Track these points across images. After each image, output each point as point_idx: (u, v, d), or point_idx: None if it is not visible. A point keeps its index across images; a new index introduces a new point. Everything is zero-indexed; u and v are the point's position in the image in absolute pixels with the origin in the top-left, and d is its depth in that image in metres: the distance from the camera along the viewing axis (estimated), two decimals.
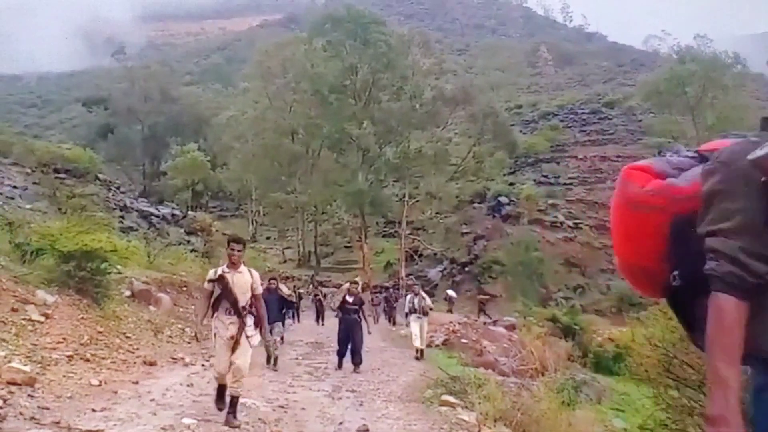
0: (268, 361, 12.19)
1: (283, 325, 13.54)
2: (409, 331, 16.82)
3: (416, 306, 15.92)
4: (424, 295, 16.47)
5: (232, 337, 6.73)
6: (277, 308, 12.42)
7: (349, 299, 13.94)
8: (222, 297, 6.82)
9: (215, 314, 6.86)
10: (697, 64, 45.62)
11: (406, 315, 16.72)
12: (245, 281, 6.94)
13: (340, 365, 12.98)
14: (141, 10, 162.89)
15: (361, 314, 14.23)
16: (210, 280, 6.95)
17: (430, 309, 16.51)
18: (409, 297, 16.91)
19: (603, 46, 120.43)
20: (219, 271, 6.94)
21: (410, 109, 43.61)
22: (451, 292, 34.75)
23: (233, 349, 6.73)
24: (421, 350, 15.73)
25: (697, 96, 44.41)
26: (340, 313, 14.02)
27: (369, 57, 43.23)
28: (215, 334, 6.86)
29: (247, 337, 6.82)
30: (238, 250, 6.97)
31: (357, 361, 12.93)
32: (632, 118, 61.78)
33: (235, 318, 6.77)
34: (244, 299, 6.85)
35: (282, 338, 13.43)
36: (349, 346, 13.42)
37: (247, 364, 6.92)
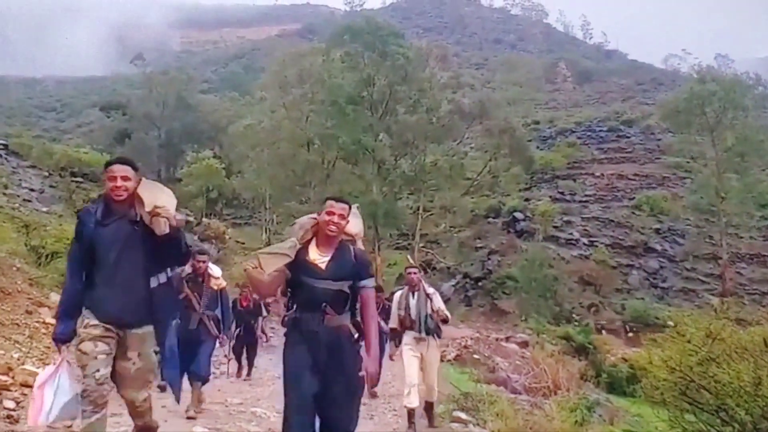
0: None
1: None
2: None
3: (414, 314, 7.61)
4: (429, 290, 7.81)
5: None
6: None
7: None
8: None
9: None
10: (717, 84, 45.16)
11: (392, 337, 8.26)
12: None
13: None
14: (161, 18, 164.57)
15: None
16: None
17: (444, 321, 7.73)
18: (398, 294, 7.98)
19: (622, 64, 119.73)
20: None
21: (427, 122, 43.55)
22: None
23: None
24: (430, 406, 8.04)
25: (716, 116, 43.98)
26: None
27: (387, 69, 43.24)
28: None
29: None
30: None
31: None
32: (650, 136, 61.37)
33: None
34: None
35: None
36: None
37: None
